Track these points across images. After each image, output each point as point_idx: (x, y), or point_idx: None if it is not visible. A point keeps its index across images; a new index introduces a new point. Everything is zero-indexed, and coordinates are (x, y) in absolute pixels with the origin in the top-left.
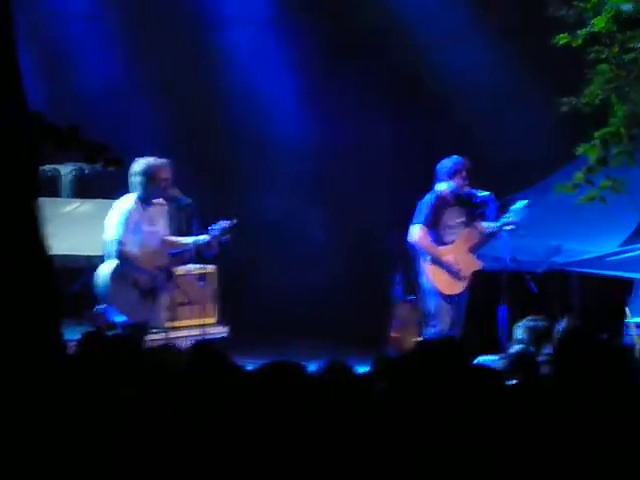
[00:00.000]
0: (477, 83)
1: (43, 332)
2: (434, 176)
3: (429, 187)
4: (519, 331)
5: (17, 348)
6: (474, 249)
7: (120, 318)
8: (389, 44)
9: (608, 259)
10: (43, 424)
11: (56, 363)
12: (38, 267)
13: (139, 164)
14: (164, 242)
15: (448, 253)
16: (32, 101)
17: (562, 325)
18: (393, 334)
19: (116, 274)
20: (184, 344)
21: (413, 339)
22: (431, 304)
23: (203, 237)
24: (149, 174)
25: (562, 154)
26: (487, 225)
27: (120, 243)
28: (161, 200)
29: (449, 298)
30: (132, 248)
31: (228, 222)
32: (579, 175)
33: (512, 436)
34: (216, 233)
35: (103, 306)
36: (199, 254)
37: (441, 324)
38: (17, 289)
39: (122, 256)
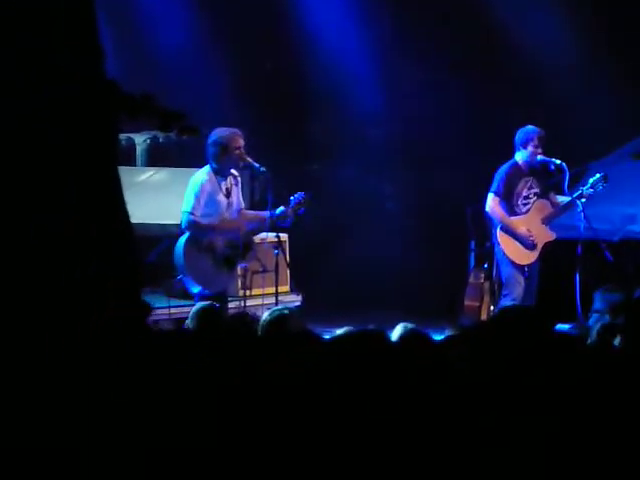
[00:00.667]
0: (550, 52)
1: (126, 298)
2: (514, 145)
3: (510, 156)
4: (597, 301)
5: (102, 314)
6: (547, 220)
7: (196, 289)
8: (463, 13)
9: None
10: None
11: (139, 330)
12: (120, 234)
13: (212, 135)
14: (241, 215)
15: (521, 223)
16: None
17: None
18: (467, 302)
19: (189, 245)
20: (259, 312)
21: (487, 307)
22: (504, 273)
23: (279, 209)
24: (221, 144)
25: (637, 121)
26: (561, 198)
27: (190, 214)
28: (235, 172)
29: (521, 268)
30: (206, 220)
31: (304, 194)
32: None
33: (590, 404)
34: (292, 205)
35: (180, 276)
36: (275, 224)
37: (513, 293)
38: (100, 256)
39: (193, 227)
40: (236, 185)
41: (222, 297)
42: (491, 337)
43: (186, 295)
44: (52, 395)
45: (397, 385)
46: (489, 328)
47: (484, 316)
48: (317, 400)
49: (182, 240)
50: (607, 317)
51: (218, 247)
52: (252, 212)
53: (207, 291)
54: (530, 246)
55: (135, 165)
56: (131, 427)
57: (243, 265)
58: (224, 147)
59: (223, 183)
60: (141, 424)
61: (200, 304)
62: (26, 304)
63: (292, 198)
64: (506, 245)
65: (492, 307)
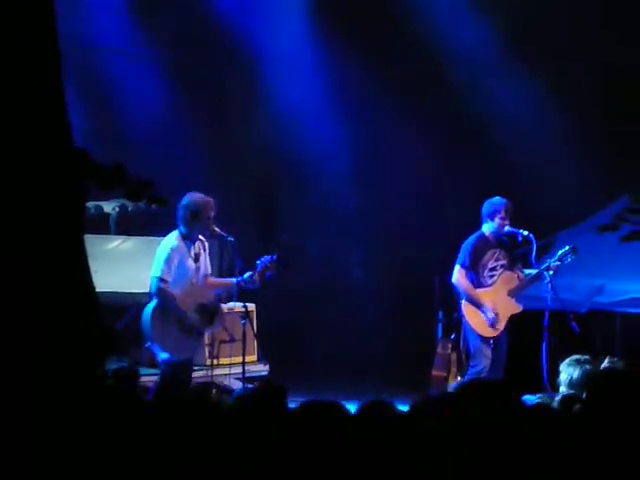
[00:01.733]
0: (521, 125)
1: (89, 367)
2: (481, 217)
3: (477, 227)
4: (564, 371)
5: (62, 381)
6: (513, 293)
7: (164, 355)
8: (435, 80)
9: None
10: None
11: (99, 397)
12: (85, 303)
13: (185, 198)
14: (208, 282)
15: (486, 296)
16: (76, 137)
17: (603, 365)
18: (435, 372)
19: (157, 312)
20: (226, 381)
21: (454, 378)
22: (471, 344)
23: (246, 274)
24: (193, 210)
25: (605, 194)
26: (528, 272)
27: (160, 280)
28: (203, 238)
29: (487, 340)
30: (175, 286)
31: (270, 258)
32: (620, 215)
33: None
34: (259, 269)
35: (149, 343)
36: (241, 289)
37: (481, 364)
38: (65, 324)
39: (160, 293)
40: (204, 250)
41: (189, 365)
42: (454, 409)
43: (152, 364)
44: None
45: (353, 455)
46: (452, 400)
47: (450, 386)
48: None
49: (150, 307)
50: (568, 389)
51: (186, 314)
52: (218, 279)
53: (174, 358)
54: (493, 323)
55: (105, 233)
56: None
57: (210, 331)
58: (196, 213)
59: (192, 248)
60: None
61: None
62: None
63: (259, 262)
64: (471, 317)
65: (459, 378)
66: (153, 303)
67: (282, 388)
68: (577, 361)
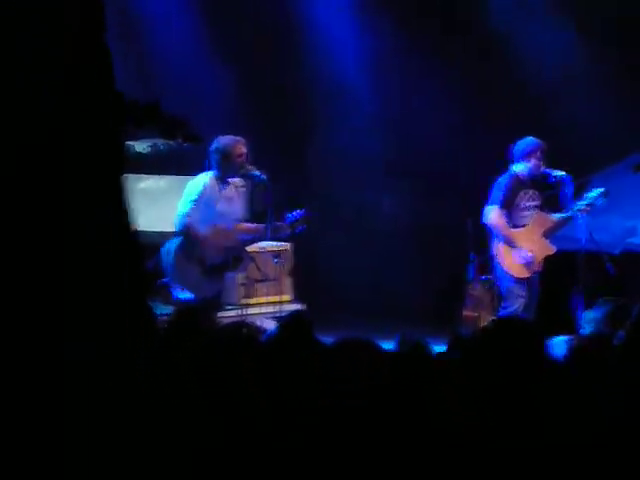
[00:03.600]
0: (556, 60)
1: (134, 307)
2: (510, 157)
3: (506, 168)
4: (592, 312)
5: (109, 323)
6: (548, 233)
7: (184, 295)
8: (464, 33)
9: None
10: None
11: (148, 338)
12: (127, 243)
13: (215, 142)
14: (237, 226)
15: (521, 236)
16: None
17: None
18: (466, 313)
19: (180, 249)
20: (260, 321)
21: (487, 318)
22: (503, 285)
23: (276, 225)
24: (223, 151)
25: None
26: (560, 215)
27: (186, 217)
28: (240, 181)
29: (521, 280)
30: (201, 225)
31: (302, 212)
32: None
33: (575, 423)
34: (289, 222)
35: (167, 279)
36: (273, 237)
37: (513, 306)
38: (109, 266)
39: (186, 232)
40: (238, 195)
41: (212, 304)
42: (483, 347)
43: (168, 301)
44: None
45: (388, 393)
46: (481, 338)
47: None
48: (313, 406)
49: (173, 244)
50: (603, 326)
51: (207, 255)
52: (249, 224)
53: (194, 296)
54: (529, 263)
55: (136, 173)
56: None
57: (232, 275)
58: (226, 154)
59: (224, 190)
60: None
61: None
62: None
63: (290, 215)
64: (505, 258)
65: (491, 318)
66: (177, 240)
67: (308, 319)
68: (602, 301)
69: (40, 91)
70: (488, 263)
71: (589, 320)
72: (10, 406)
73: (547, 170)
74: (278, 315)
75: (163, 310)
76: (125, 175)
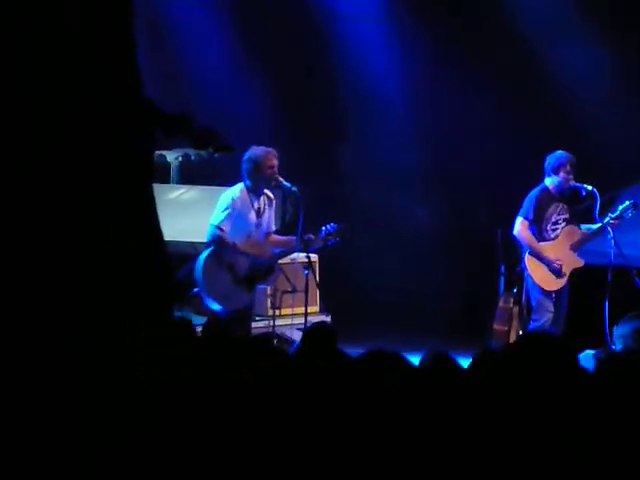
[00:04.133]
0: (583, 78)
1: (159, 315)
2: (544, 170)
3: (540, 182)
4: (620, 328)
5: (132, 330)
6: (576, 247)
7: (215, 306)
8: (495, 42)
9: None
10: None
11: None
12: (155, 251)
13: (247, 152)
14: (269, 239)
15: (549, 249)
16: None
17: None
18: (496, 327)
19: (211, 259)
20: (288, 332)
21: (516, 332)
22: (532, 298)
23: (308, 238)
24: (255, 162)
25: None
26: (588, 227)
27: (218, 228)
28: (270, 193)
29: (549, 293)
30: (233, 236)
31: (336, 226)
32: None
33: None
34: (323, 235)
35: (197, 289)
36: (303, 248)
37: (542, 319)
38: (135, 274)
39: (218, 241)
40: (269, 206)
41: (245, 315)
42: (513, 362)
43: (200, 311)
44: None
45: (412, 404)
46: (511, 353)
47: (512, 340)
48: (336, 416)
49: (204, 254)
50: (631, 342)
51: (239, 267)
52: (281, 237)
53: (225, 308)
54: (557, 272)
55: (167, 182)
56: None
57: (263, 287)
58: (257, 165)
59: (256, 202)
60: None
61: (208, 318)
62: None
63: (324, 228)
64: (534, 270)
65: (521, 332)
66: (208, 250)
67: (331, 331)
68: (630, 317)
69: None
70: (519, 276)
71: (617, 336)
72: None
73: (577, 184)
74: (305, 327)
75: (195, 320)
76: (154, 182)
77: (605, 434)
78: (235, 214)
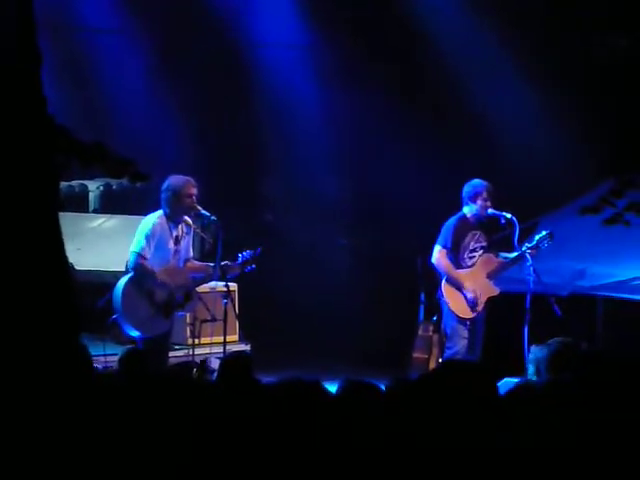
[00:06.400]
0: (505, 106)
1: (61, 346)
2: (461, 199)
3: (458, 210)
4: (537, 351)
5: (35, 361)
6: (492, 275)
7: (134, 332)
8: (419, 68)
9: (633, 283)
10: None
11: (78, 377)
12: (57, 279)
13: (166, 181)
14: (188, 264)
15: (466, 277)
16: (58, 114)
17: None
18: (416, 355)
19: (131, 287)
20: (209, 361)
21: (436, 360)
22: (447, 325)
23: (226, 263)
24: (174, 191)
25: (588, 177)
26: (506, 255)
27: (139, 256)
28: (188, 219)
29: (464, 320)
30: (153, 263)
31: (252, 252)
32: (603, 198)
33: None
34: (240, 262)
35: (116, 315)
36: (221, 275)
37: (457, 346)
38: (35, 301)
39: (138, 268)
40: (187, 234)
41: (163, 342)
42: (428, 389)
43: (119, 340)
44: None
45: (331, 434)
46: (427, 380)
47: (430, 368)
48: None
49: (124, 280)
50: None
51: (158, 293)
52: (199, 263)
53: (144, 334)
54: (473, 304)
55: (88, 212)
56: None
57: (182, 314)
58: (176, 194)
59: (174, 230)
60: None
61: (126, 348)
62: None
63: (240, 255)
64: (450, 298)
65: (440, 359)
66: (127, 277)
67: (248, 357)
68: (550, 343)
69: None
70: (437, 304)
71: (532, 359)
72: None
73: (496, 212)
74: (224, 356)
75: (112, 350)
76: (71, 211)
77: (520, 460)
78: (155, 240)
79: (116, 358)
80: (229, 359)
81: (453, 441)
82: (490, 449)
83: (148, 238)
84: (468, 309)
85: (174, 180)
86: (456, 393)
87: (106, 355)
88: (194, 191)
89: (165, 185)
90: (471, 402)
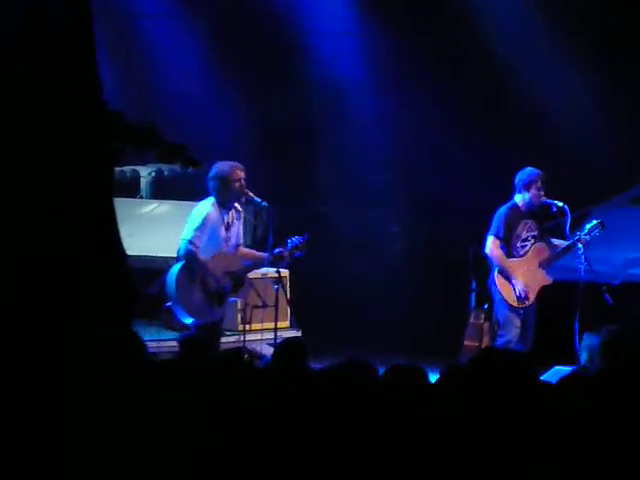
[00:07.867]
0: (556, 93)
1: (117, 329)
2: (513, 187)
3: (509, 198)
4: (589, 338)
5: (89, 344)
6: (544, 264)
7: (188, 320)
8: (466, 57)
9: None
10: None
11: (130, 360)
12: (112, 262)
13: (213, 168)
14: (239, 251)
15: (518, 266)
16: (111, 100)
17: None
18: (467, 342)
19: (183, 274)
20: (258, 347)
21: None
22: (500, 314)
23: (276, 250)
24: (221, 177)
25: None
26: (559, 242)
27: (190, 244)
28: (238, 205)
29: (516, 309)
30: (205, 252)
31: (302, 238)
32: None
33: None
34: (289, 247)
35: (170, 303)
36: (272, 263)
37: (509, 335)
38: (90, 284)
39: (189, 257)
40: (238, 220)
41: (216, 329)
42: (471, 378)
43: (184, 327)
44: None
45: (378, 416)
46: (470, 369)
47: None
48: (303, 429)
49: (176, 268)
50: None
51: (210, 280)
52: (249, 250)
53: (197, 321)
54: (520, 297)
55: (139, 197)
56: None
57: (234, 300)
58: (224, 180)
59: (226, 216)
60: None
61: (186, 333)
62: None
63: (289, 241)
64: (503, 287)
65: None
66: (179, 264)
67: (302, 346)
68: (604, 330)
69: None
70: (489, 292)
71: (585, 346)
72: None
73: (548, 200)
74: (275, 342)
75: (165, 335)
76: (123, 197)
77: (565, 447)
78: (208, 228)
79: (167, 344)
80: (283, 345)
81: (494, 427)
82: (539, 438)
83: (200, 226)
84: (520, 299)
85: (220, 166)
86: (495, 380)
87: (159, 340)
88: (242, 175)
89: (212, 172)
90: (510, 389)
